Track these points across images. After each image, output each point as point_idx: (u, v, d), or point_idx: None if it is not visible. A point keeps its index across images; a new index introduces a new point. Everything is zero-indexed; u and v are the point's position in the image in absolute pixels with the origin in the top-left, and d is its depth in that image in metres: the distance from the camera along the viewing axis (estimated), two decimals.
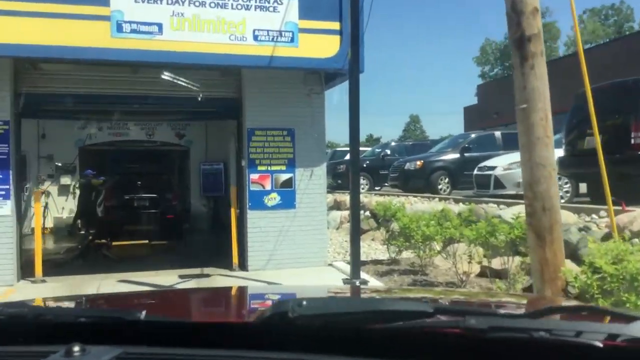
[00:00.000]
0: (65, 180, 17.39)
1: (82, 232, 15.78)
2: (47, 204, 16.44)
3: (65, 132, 17.06)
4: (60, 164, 17.38)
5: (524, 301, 2.20)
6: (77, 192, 16.70)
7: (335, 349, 1.13)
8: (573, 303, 2.38)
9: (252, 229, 9.74)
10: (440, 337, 1.14)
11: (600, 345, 1.06)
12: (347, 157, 16.72)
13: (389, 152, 24.68)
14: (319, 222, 9.96)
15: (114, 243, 14.27)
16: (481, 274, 8.46)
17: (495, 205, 11.71)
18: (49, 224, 16.66)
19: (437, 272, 9.32)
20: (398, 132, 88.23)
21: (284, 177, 9.86)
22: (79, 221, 16.31)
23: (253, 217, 9.72)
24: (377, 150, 26.78)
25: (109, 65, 8.66)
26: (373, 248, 12.73)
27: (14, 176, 8.80)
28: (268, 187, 9.76)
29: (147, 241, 14.42)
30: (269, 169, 9.76)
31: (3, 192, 8.66)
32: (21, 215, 9.05)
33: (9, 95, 8.79)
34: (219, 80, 9.95)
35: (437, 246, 9.20)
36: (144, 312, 1.29)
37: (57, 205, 17.50)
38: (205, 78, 9.72)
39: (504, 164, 14.68)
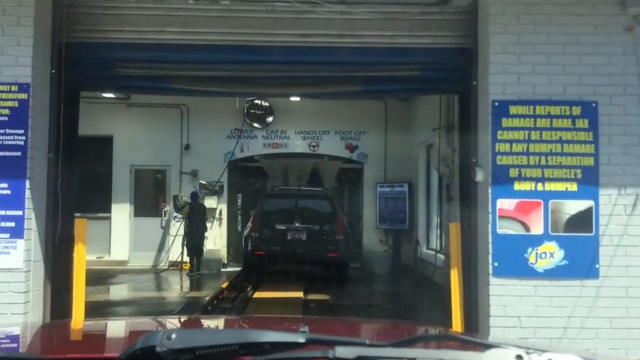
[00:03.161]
0: (211, 203, 13.69)
1: (192, 273, 11.86)
2: (186, 232, 12.70)
3: (213, 143, 13.68)
4: (204, 182, 13.73)
5: (392, 329, 2.48)
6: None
7: None
8: (437, 330, 2.26)
9: (498, 317, 4.49)
10: None
11: None
12: None
13: None
14: None
15: (255, 294, 9.97)
16: None
17: None
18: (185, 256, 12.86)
19: None
20: None
21: (574, 207, 4.58)
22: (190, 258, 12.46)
23: (500, 292, 4.47)
24: None
25: None
26: None
27: (45, 199, 4.67)
28: (536, 228, 4.51)
29: (300, 295, 9.82)
30: (539, 188, 4.48)
31: (12, 226, 4.49)
32: (50, 266, 4.84)
33: (35, 38, 4.65)
34: (433, 18, 5.02)
35: None
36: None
37: None
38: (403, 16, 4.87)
39: None
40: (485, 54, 4.80)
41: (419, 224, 12.59)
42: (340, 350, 1.11)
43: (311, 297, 9.87)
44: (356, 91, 5.54)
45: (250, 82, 5.55)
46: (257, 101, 13.76)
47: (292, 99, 12.94)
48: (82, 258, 4.88)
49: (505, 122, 4.54)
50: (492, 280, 4.47)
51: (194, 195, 12.56)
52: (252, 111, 14.01)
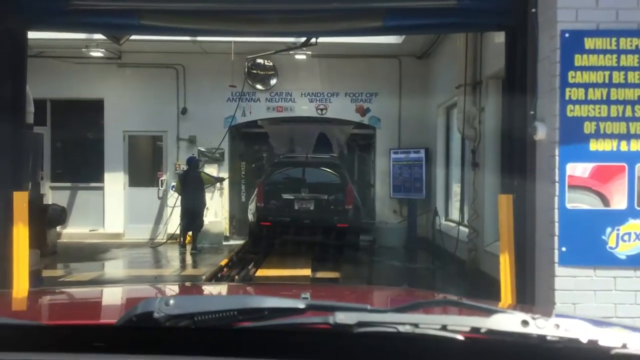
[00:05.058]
0: (211, 171, 12.63)
1: (195, 250, 10.78)
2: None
3: (212, 107, 12.69)
4: (203, 149, 12.71)
5: (394, 295, 2.37)
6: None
7: (203, 349, 1.09)
8: (440, 297, 2.14)
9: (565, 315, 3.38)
10: (310, 334, 1.16)
11: (462, 338, 1.10)
12: None
13: None
14: None
15: (258, 272, 9.06)
16: None
17: None
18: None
19: None
20: None
21: None
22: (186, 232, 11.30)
23: (569, 286, 3.38)
24: None
25: None
26: None
27: None
28: (618, 201, 3.39)
29: (308, 272, 8.88)
30: (622, 149, 3.35)
31: None
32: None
33: None
34: None
35: None
36: None
37: None
38: None
39: None
40: None
41: (437, 194, 11.52)
42: (340, 316, 1.11)
43: (319, 275, 8.95)
44: (375, 27, 4.36)
45: (245, 19, 4.41)
46: (259, 60, 12.60)
47: (298, 57, 11.83)
48: (24, 235, 3.86)
49: (579, 59, 3.40)
50: (558, 270, 3.40)
51: (190, 161, 11.44)
52: (254, 71, 12.86)
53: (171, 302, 1.14)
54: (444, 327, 1.11)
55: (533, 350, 1.10)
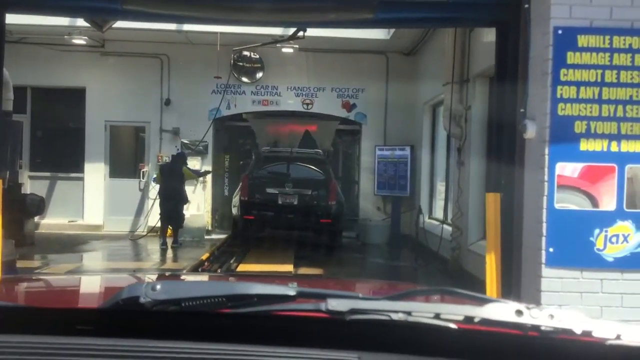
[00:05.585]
0: (194, 163, 12.45)
1: (176, 244, 10.55)
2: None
3: (196, 98, 12.54)
4: (187, 141, 12.53)
5: (386, 286, 2.33)
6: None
7: (190, 334, 1.06)
8: (434, 287, 2.24)
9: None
10: (301, 320, 1.14)
11: (455, 327, 1.09)
12: None
13: None
14: None
15: (240, 267, 8.97)
16: None
17: None
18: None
19: None
20: None
21: None
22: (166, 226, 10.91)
23: (556, 287, 3.34)
24: None
25: None
26: None
27: None
28: (607, 202, 3.36)
29: (290, 268, 8.80)
30: (613, 149, 3.31)
31: None
32: None
33: None
34: None
35: None
36: None
37: None
38: None
39: None
40: None
41: (421, 191, 11.50)
42: (332, 303, 1.09)
43: (302, 271, 8.86)
44: (367, 20, 4.28)
45: (233, 7, 4.29)
46: (245, 52, 12.44)
47: (285, 50, 11.71)
48: None
49: (571, 57, 3.36)
50: (545, 271, 3.36)
51: (178, 155, 11.22)
52: (240, 64, 12.69)
53: (158, 287, 1.12)
54: (437, 316, 1.10)
55: (526, 341, 1.09)
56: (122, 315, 1.14)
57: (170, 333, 1.06)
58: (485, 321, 1.11)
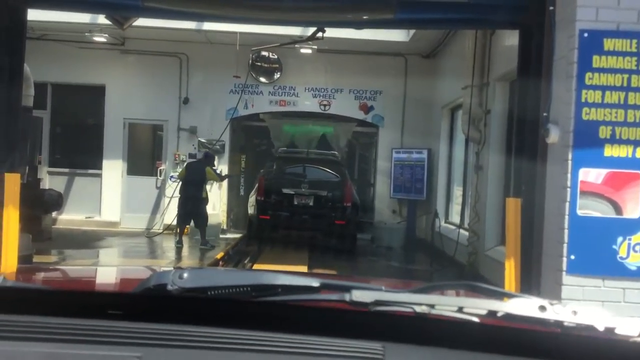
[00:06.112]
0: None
1: (204, 245, 10.45)
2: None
3: (214, 98, 12.59)
4: (204, 140, 12.56)
5: (406, 284, 2.30)
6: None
7: (216, 320, 1.07)
8: (456, 281, 2.23)
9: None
10: (326, 310, 1.16)
11: (478, 320, 1.11)
12: None
13: None
14: None
15: (254, 267, 8.96)
16: None
17: None
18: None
19: None
20: None
21: None
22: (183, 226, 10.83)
23: (577, 295, 3.26)
24: None
25: None
26: None
27: None
28: (631, 209, 3.27)
29: (304, 269, 8.76)
30: (637, 156, 3.22)
31: None
32: None
33: None
34: None
35: None
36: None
37: None
38: None
39: None
40: None
41: (438, 195, 11.40)
42: (357, 294, 1.11)
43: (315, 271, 8.80)
44: (386, 20, 4.24)
45: (253, 6, 4.27)
46: (264, 53, 12.45)
47: (303, 51, 11.70)
48: (14, 218, 3.72)
49: (597, 61, 3.28)
50: (566, 278, 3.29)
51: (205, 155, 11.18)
52: (259, 64, 12.70)
53: (185, 275, 1.14)
54: (460, 309, 1.10)
55: (548, 336, 1.08)
56: (151, 301, 1.16)
57: (197, 319, 1.09)
58: (508, 316, 1.11)
